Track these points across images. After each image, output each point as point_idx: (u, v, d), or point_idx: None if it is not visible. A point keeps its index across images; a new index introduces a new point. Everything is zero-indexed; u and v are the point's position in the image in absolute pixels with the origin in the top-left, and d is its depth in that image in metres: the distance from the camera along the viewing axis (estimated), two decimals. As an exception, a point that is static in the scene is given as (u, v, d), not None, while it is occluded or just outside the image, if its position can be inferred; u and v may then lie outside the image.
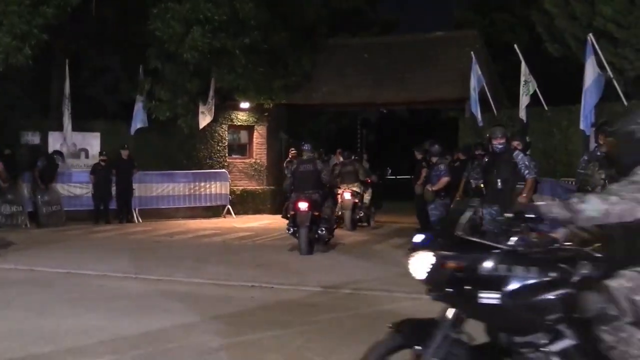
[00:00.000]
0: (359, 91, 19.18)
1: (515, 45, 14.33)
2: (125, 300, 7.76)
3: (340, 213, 14.80)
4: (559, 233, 3.73)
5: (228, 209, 18.35)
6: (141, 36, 16.78)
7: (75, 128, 17.31)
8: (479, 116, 15.47)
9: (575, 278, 3.44)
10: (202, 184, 18.05)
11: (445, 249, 3.64)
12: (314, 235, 11.60)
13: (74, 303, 7.69)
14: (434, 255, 3.61)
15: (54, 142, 17.37)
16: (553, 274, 3.48)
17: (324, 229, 11.79)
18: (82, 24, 18.13)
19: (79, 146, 17.91)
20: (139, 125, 17.43)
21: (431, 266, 3.61)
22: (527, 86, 13.96)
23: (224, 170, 18.71)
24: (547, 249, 3.61)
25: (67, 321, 6.79)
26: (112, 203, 16.92)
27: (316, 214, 11.53)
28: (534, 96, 14.00)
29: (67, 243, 13.16)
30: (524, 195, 8.79)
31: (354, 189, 15.18)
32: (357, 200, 13.74)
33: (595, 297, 3.36)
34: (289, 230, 11.74)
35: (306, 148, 12.21)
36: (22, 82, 17.90)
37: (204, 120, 17.62)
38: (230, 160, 19.39)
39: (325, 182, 12.10)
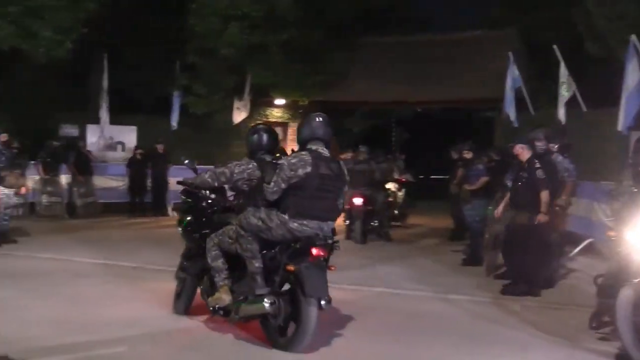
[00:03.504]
0: (393, 90, 19.10)
1: (555, 46, 14.12)
2: (162, 292, 7.79)
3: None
4: None
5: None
6: (179, 31, 16.92)
7: (113, 122, 17.54)
8: (513, 117, 15.28)
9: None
10: (238, 179, 18.08)
11: None
12: (368, 227, 13.11)
13: (111, 294, 7.79)
14: None
15: (92, 134, 17.63)
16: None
17: (376, 221, 13.34)
18: (121, 19, 18.34)
19: (116, 139, 18.17)
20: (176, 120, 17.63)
21: None
22: (566, 87, 13.76)
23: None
24: None
25: (104, 311, 6.88)
26: (147, 196, 17.10)
27: (369, 208, 13.01)
28: (572, 97, 13.80)
29: (103, 234, 13.35)
30: (564, 197, 8.65)
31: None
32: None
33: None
34: (345, 222, 13.24)
35: (363, 150, 13.69)
36: (61, 75, 18.19)
37: (239, 115, 17.72)
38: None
39: (378, 180, 13.55)
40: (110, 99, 17.37)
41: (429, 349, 5.91)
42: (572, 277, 9.42)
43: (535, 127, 9.35)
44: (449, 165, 13.75)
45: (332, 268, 5.79)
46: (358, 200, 12.86)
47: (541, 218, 8.06)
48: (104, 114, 17.31)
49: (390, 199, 15.20)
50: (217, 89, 17.21)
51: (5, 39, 14.18)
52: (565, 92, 13.80)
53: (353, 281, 8.97)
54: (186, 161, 7.09)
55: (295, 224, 5.58)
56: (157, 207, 16.98)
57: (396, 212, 15.64)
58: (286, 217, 5.60)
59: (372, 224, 13.32)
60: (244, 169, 6.20)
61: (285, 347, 5.59)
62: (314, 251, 5.54)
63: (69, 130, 17.67)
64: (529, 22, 21.08)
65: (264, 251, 5.79)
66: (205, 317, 6.57)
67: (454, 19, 32.94)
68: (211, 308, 6.09)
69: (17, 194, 11.84)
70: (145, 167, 16.95)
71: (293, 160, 5.62)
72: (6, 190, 10.85)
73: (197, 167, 7.12)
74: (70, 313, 6.77)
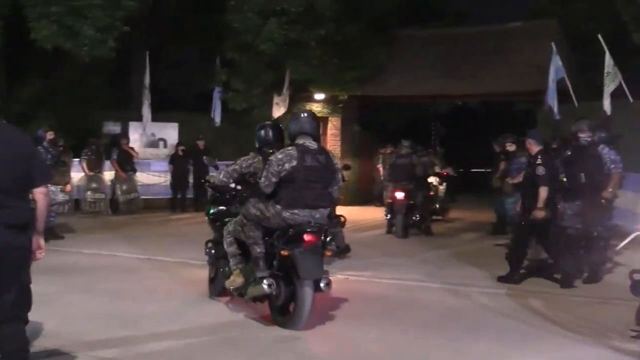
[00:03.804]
0: (432, 83, 18.94)
1: (600, 36, 13.83)
2: (203, 287, 7.88)
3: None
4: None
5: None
6: (218, 28, 17.05)
7: (154, 119, 17.73)
8: (556, 108, 15.02)
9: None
10: (276, 174, 18.10)
11: None
12: (409, 221, 13.08)
13: (154, 289, 7.90)
14: None
15: (134, 132, 17.86)
16: None
17: (417, 215, 13.30)
18: (161, 17, 18.56)
19: (157, 136, 18.37)
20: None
21: None
22: (611, 78, 13.47)
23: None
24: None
25: (148, 306, 6.97)
26: (188, 192, 17.28)
27: (411, 202, 13.01)
28: (617, 88, 13.50)
29: (146, 230, 13.54)
30: (610, 189, 8.48)
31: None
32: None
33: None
34: (386, 216, 13.38)
35: (405, 144, 13.53)
36: (103, 74, 18.49)
37: (278, 111, 17.74)
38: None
39: (419, 174, 13.46)
40: (151, 96, 17.56)
41: (470, 344, 5.85)
42: (616, 272, 9.23)
43: (578, 119, 9.17)
44: (489, 159, 13.59)
45: (328, 254, 6.47)
46: (399, 195, 12.83)
47: (537, 214, 8.15)
48: (146, 112, 17.52)
49: (431, 193, 15.12)
50: (256, 84, 17.28)
51: (48, 38, 14.44)
52: (610, 83, 13.51)
53: (392, 275, 8.98)
54: (204, 157, 7.84)
55: (288, 214, 6.14)
56: (199, 203, 17.11)
57: (437, 206, 15.54)
58: (279, 207, 6.15)
59: (413, 218, 13.30)
60: (250, 163, 6.77)
61: (285, 325, 6.12)
62: (306, 237, 6.06)
63: (112, 127, 17.93)
64: (569, 13, 20.74)
65: (267, 238, 6.36)
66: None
67: (492, 11, 32.46)
68: (229, 290, 6.76)
69: (62, 191, 12.08)
70: (186, 164, 17.12)
71: (280, 156, 6.16)
72: (52, 188, 11.04)
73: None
74: (115, 308, 6.88)
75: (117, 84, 19.69)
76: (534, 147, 8.55)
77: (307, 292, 6.00)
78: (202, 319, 6.50)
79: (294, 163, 6.08)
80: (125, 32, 15.12)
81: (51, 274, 7.81)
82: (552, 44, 15.37)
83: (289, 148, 6.22)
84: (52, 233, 10.99)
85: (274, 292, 6.16)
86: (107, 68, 18.13)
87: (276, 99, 17.61)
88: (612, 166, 8.50)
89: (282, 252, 6.16)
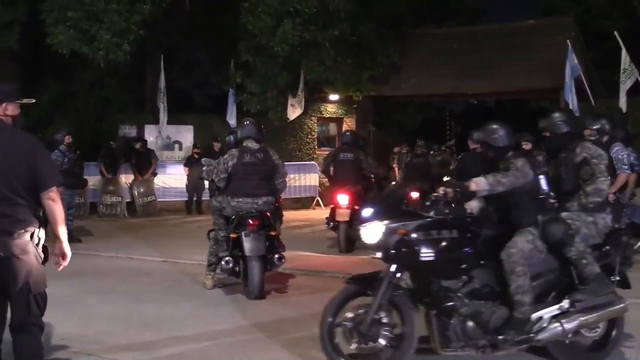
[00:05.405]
0: (447, 82, 18.85)
1: (616, 32, 13.72)
2: (220, 290, 7.95)
3: None
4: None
5: (317, 200, 18.45)
6: (232, 30, 17.07)
7: (169, 121, 17.79)
8: (574, 106, 14.90)
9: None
10: (292, 175, 17.98)
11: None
12: None
13: (171, 291, 7.96)
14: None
15: (149, 134, 17.94)
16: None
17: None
18: (175, 20, 18.63)
19: (173, 139, 18.42)
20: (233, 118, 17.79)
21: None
22: (627, 74, 13.35)
23: (313, 162, 18.78)
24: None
25: (166, 308, 7.03)
26: (204, 194, 17.29)
27: (426, 202, 12.42)
28: (634, 85, 13.39)
29: (162, 232, 13.58)
30: (613, 191, 8.35)
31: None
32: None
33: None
34: None
35: (421, 144, 13.68)
36: (119, 77, 18.59)
37: (294, 112, 17.73)
38: (320, 152, 19.38)
39: (435, 173, 13.49)
40: (166, 98, 17.61)
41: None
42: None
43: (594, 116, 9.09)
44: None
45: (273, 233, 7.66)
46: (415, 195, 12.78)
47: None
48: (162, 114, 17.58)
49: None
50: (270, 86, 17.28)
51: (65, 43, 14.57)
52: (626, 80, 13.39)
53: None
54: (202, 159, 9.01)
55: (235, 202, 7.64)
56: (215, 205, 17.12)
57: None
58: (229, 197, 7.68)
59: None
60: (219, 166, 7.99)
61: (247, 295, 7.43)
62: (250, 222, 7.44)
63: (128, 130, 18.02)
64: (585, 10, 20.60)
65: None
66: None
67: (507, 8, 32.28)
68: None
69: (78, 194, 12.13)
70: (202, 166, 17.10)
71: (226, 156, 7.79)
72: (68, 191, 11.13)
73: None
74: (133, 310, 6.93)
75: (132, 86, 19.79)
76: (471, 146, 9.74)
77: (254, 266, 7.30)
78: (219, 321, 6.54)
79: (235, 160, 7.62)
80: (140, 36, 15.19)
81: (69, 277, 7.80)
82: (567, 41, 15.26)
83: (233, 150, 7.82)
84: (70, 236, 11.03)
85: (237, 269, 7.44)
86: (123, 71, 18.22)
87: (291, 101, 17.59)
88: (618, 166, 8.38)
89: (231, 235, 7.53)
